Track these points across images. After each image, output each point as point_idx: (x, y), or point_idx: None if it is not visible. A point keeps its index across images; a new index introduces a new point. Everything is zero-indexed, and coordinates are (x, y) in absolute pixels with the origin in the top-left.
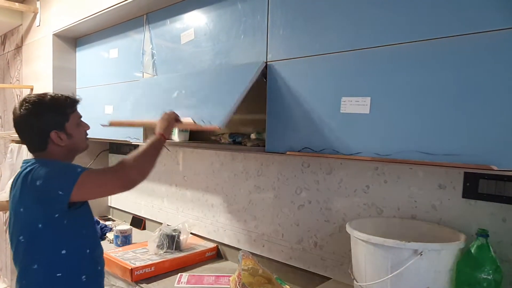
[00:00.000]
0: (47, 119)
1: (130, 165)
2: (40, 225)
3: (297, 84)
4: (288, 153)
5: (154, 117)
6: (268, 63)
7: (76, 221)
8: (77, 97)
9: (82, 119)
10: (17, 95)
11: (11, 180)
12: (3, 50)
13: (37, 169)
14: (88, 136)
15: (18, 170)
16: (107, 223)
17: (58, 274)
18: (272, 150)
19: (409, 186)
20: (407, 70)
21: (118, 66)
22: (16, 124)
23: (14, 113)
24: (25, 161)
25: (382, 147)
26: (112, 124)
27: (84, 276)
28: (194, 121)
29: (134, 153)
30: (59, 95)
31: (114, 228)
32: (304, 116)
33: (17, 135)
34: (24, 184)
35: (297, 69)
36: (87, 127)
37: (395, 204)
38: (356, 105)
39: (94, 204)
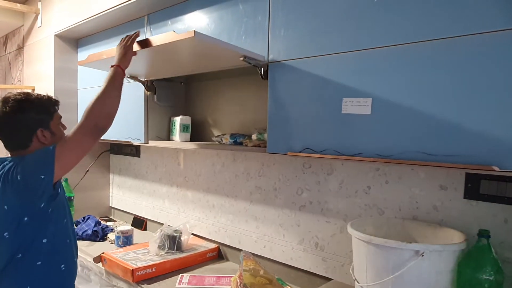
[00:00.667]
0: (34, 117)
1: (93, 114)
2: (26, 218)
3: (298, 84)
4: (289, 153)
5: None
6: (269, 63)
7: (59, 210)
8: (57, 99)
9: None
10: None
11: None
12: (5, 51)
13: (16, 166)
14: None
15: None
16: (108, 223)
17: (38, 263)
18: (273, 150)
19: (410, 187)
20: (409, 71)
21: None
22: (6, 121)
23: (8, 110)
24: (5, 159)
25: (383, 147)
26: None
27: (63, 265)
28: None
29: (94, 97)
30: (43, 95)
31: (115, 229)
32: (305, 116)
33: None
34: (5, 182)
35: (298, 69)
36: (65, 127)
37: (396, 205)
38: (357, 106)
39: (95, 205)
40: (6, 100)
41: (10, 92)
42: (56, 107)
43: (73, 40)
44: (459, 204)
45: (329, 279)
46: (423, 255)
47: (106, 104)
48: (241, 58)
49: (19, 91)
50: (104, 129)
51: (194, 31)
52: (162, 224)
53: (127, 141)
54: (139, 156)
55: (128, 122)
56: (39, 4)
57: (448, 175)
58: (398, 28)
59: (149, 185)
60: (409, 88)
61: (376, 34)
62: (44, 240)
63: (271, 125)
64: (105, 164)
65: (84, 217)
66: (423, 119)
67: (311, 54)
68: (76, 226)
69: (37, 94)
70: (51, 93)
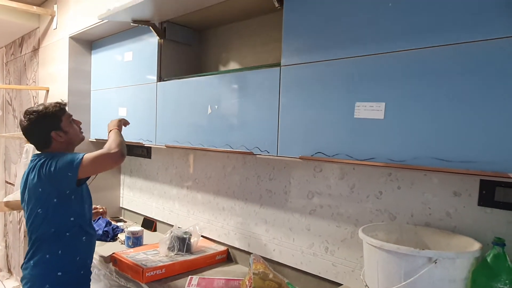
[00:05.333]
0: (46, 124)
1: (115, 147)
2: (55, 200)
3: (310, 88)
4: (300, 157)
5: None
6: (282, 67)
7: (81, 197)
8: (64, 102)
9: (74, 117)
10: (33, 96)
11: (23, 172)
12: (20, 52)
13: (49, 160)
14: (82, 130)
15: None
16: (119, 224)
17: (67, 234)
18: (284, 154)
19: (423, 193)
20: (423, 76)
21: (132, 69)
22: (24, 132)
23: (21, 124)
24: (35, 155)
25: (396, 153)
26: None
27: (84, 238)
28: None
29: (111, 142)
30: (50, 104)
31: (125, 230)
32: (317, 120)
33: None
34: (40, 171)
35: (311, 73)
36: (79, 122)
37: (409, 211)
38: (370, 110)
39: (106, 205)
40: (24, 115)
41: (31, 107)
42: (63, 111)
43: (87, 42)
44: (473, 211)
45: (339, 284)
46: (436, 262)
47: (121, 145)
48: None
49: (33, 93)
50: (121, 158)
51: None
52: (172, 225)
53: (139, 142)
54: (150, 158)
55: (139, 124)
56: (55, 6)
57: (462, 181)
58: (412, 32)
59: (159, 186)
60: (423, 93)
61: (390, 38)
62: (72, 218)
63: (283, 128)
64: None
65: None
66: (437, 125)
67: (324, 58)
68: None
69: (48, 105)
70: (65, 94)
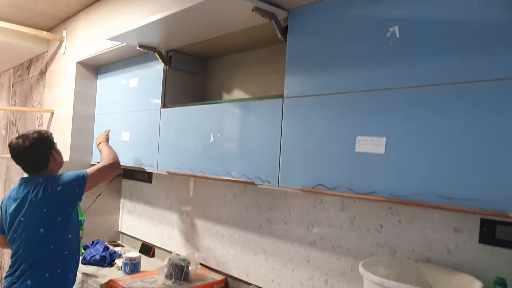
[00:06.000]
0: (47, 144)
1: (113, 158)
2: (59, 218)
3: (312, 120)
4: (301, 189)
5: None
6: (284, 98)
7: (76, 214)
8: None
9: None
10: (37, 118)
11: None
12: (28, 75)
13: (53, 181)
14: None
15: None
16: (116, 248)
17: (65, 252)
18: (285, 185)
19: (423, 228)
20: (424, 113)
21: (137, 95)
22: (22, 153)
23: (17, 147)
24: (25, 180)
25: (397, 187)
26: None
27: (77, 255)
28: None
29: (108, 154)
30: (41, 130)
31: (123, 255)
32: (318, 152)
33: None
34: (46, 192)
35: (313, 105)
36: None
37: (409, 246)
38: (371, 145)
39: (104, 229)
40: (24, 139)
41: (27, 131)
42: (52, 135)
43: (94, 67)
44: (474, 248)
45: None
46: None
47: (115, 154)
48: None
49: (38, 115)
50: (119, 165)
51: None
52: (170, 252)
53: (141, 168)
54: (151, 182)
55: (142, 149)
56: (64, 32)
57: (463, 218)
58: (413, 70)
59: (159, 211)
60: (424, 130)
61: (391, 75)
62: (69, 236)
63: (284, 159)
64: (117, 189)
65: (92, 242)
66: (438, 161)
67: (325, 92)
68: (85, 250)
69: (40, 130)
70: (69, 117)
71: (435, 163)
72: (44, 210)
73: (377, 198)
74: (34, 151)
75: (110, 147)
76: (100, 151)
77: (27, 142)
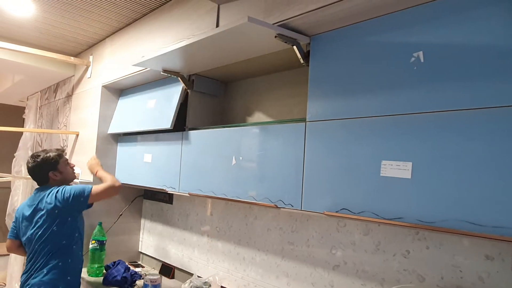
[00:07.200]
0: (46, 167)
1: (116, 181)
2: (69, 219)
3: (336, 144)
4: (325, 213)
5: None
6: (307, 122)
7: (82, 218)
8: (63, 148)
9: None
10: (63, 140)
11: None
12: (54, 98)
13: (63, 189)
14: (76, 172)
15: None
16: (137, 269)
17: (74, 246)
18: (308, 209)
19: (453, 255)
20: (452, 137)
21: (157, 116)
22: (29, 171)
23: (27, 165)
24: (39, 189)
25: (425, 213)
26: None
27: (81, 252)
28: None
29: (111, 178)
30: (52, 149)
31: (144, 276)
32: (342, 176)
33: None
34: (57, 197)
35: (337, 129)
36: (72, 164)
37: (438, 273)
38: (397, 169)
39: (125, 249)
40: (31, 158)
41: (38, 152)
42: (60, 156)
43: (117, 90)
44: (508, 276)
45: None
46: None
47: (115, 179)
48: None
49: (63, 136)
50: (120, 189)
51: (248, 16)
52: (190, 273)
53: (162, 189)
54: (171, 203)
55: (164, 170)
56: (91, 57)
57: (494, 245)
58: (439, 95)
59: (179, 232)
60: (451, 154)
61: (417, 100)
62: (76, 234)
63: (307, 182)
64: (137, 209)
65: (114, 262)
66: (468, 187)
67: (349, 116)
68: (106, 270)
69: (48, 150)
70: (94, 139)
71: (463, 189)
72: (56, 211)
73: (405, 224)
74: (36, 171)
75: (109, 173)
76: (101, 177)
77: (30, 163)
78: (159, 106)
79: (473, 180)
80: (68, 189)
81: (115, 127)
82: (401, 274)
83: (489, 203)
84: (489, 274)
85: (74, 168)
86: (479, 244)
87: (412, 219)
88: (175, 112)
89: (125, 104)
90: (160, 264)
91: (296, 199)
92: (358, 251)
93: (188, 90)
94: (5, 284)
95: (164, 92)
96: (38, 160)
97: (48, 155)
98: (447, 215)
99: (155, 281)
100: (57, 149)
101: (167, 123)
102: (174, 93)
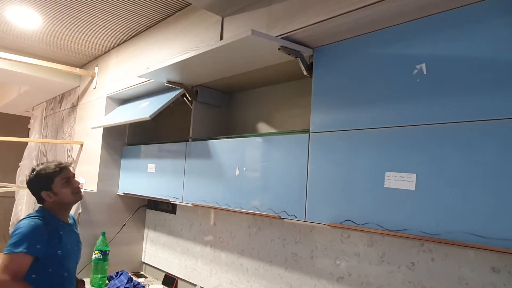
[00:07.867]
0: (38, 185)
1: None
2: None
3: (340, 155)
4: (329, 224)
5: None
6: (311, 133)
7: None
8: (63, 164)
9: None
10: (67, 150)
11: None
12: (60, 108)
13: (13, 231)
14: (81, 190)
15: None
16: (139, 280)
17: (65, 274)
18: (312, 220)
19: (459, 267)
20: (456, 149)
21: (141, 109)
22: (27, 185)
23: (26, 180)
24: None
25: (429, 225)
26: None
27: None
28: None
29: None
30: (50, 164)
31: (146, 287)
32: (346, 187)
33: None
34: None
35: (340, 141)
36: (77, 183)
37: (444, 285)
38: (401, 181)
39: (128, 259)
40: (30, 170)
41: (37, 164)
42: (57, 173)
43: (122, 100)
44: None
45: None
46: None
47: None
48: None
49: (68, 146)
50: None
51: (252, 29)
52: (193, 284)
53: (166, 199)
54: (175, 213)
55: (167, 181)
56: (96, 68)
57: (500, 258)
58: (442, 107)
59: (183, 242)
60: (455, 166)
61: (420, 111)
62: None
63: (311, 193)
64: (141, 219)
65: (117, 272)
66: (472, 199)
67: (353, 127)
68: (109, 281)
69: (47, 166)
70: (98, 149)
71: (468, 201)
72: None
73: (409, 236)
74: (30, 187)
75: None
76: None
77: (27, 177)
78: (149, 104)
79: (477, 192)
80: (14, 235)
81: (102, 122)
82: (406, 286)
83: (494, 215)
84: (495, 286)
85: (78, 186)
86: (485, 256)
87: (416, 230)
88: (159, 108)
89: (123, 107)
90: (163, 274)
91: (300, 210)
92: (363, 262)
93: (186, 99)
94: None
95: (160, 96)
96: (33, 174)
97: (42, 170)
98: (452, 227)
99: None
100: (59, 164)
101: (147, 114)
102: (168, 96)
